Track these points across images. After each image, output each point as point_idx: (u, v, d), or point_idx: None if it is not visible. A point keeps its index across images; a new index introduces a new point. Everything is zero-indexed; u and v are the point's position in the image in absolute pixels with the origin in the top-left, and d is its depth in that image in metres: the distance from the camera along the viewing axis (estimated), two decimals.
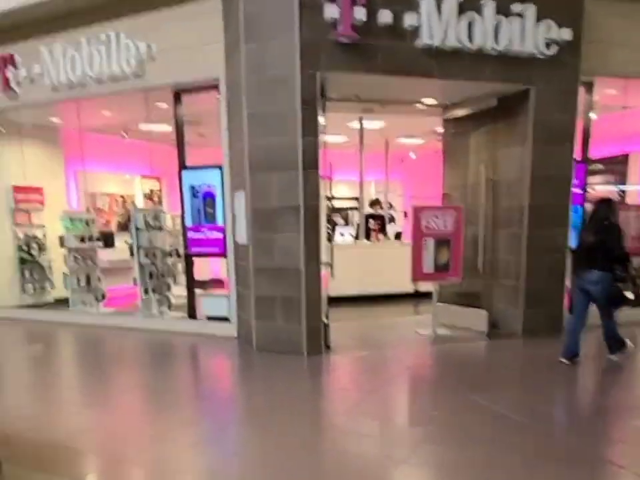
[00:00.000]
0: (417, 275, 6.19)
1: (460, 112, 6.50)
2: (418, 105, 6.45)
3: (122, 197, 10.17)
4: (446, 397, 4.26)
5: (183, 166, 6.60)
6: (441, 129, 7.23)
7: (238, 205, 5.89)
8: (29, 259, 8.44)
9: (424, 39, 5.11)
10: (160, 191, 10.64)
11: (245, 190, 5.52)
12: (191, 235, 6.65)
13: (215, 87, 5.97)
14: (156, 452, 3.39)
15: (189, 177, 6.55)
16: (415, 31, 5.09)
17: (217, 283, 7.99)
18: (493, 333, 6.20)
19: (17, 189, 8.18)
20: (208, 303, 6.92)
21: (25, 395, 4.72)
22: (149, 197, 10.54)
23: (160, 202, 10.49)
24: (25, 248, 8.43)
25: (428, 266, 6.16)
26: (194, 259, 6.85)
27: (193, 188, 6.55)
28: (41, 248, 8.53)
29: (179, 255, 7.70)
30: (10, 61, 6.82)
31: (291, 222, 5.28)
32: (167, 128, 7.68)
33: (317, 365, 5.35)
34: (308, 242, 5.29)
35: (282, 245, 5.37)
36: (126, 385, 5.03)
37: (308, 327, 5.42)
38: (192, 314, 6.93)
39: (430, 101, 6.43)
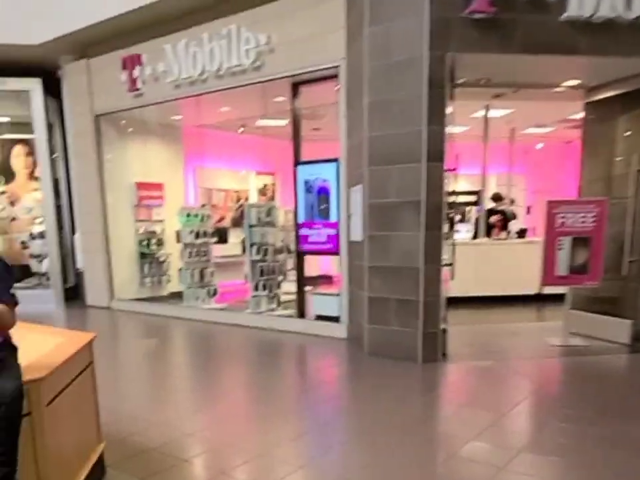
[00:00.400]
0: (548, 278, 5.51)
1: (607, 94, 5.71)
2: (557, 88, 5.77)
3: (237, 192, 10.33)
4: (591, 425, 3.58)
5: (297, 160, 6.45)
6: (578, 115, 6.46)
7: (354, 200, 5.60)
8: (148, 254, 8.77)
9: (571, 11, 4.49)
10: (274, 186, 10.70)
11: (362, 184, 5.22)
12: (303, 231, 6.48)
13: (334, 76, 5.75)
14: (260, 466, 3.14)
15: (304, 172, 6.38)
16: (561, 2, 4.50)
17: (326, 279, 7.80)
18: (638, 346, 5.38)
19: (140, 186, 8.54)
20: (318, 302, 6.71)
21: (137, 394, 4.71)
22: (262, 192, 10.64)
23: (273, 197, 10.54)
24: (144, 243, 8.79)
25: (562, 268, 5.45)
26: (305, 256, 6.69)
27: (307, 183, 6.37)
28: (159, 243, 8.84)
29: (289, 252, 7.58)
30: (138, 60, 7.10)
31: (410, 218, 4.89)
32: (282, 122, 7.63)
33: (432, 374, 4.91)
34: (428, 240, 4.86)
35: (400, 242, 4.99)
36: (234, 387, 4.94)
37: (424, 332, 4.98)
38: (301, 312, 6.76)
39: (572, 82, 5.72)
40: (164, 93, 7.06)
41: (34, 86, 8.34)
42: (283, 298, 7.54)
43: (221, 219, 9.89)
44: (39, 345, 2.46)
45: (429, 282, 4.92)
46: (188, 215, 7.92)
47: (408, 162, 4.81)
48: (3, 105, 8.78)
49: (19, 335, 2.23)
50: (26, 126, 8.66)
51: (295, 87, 6.26)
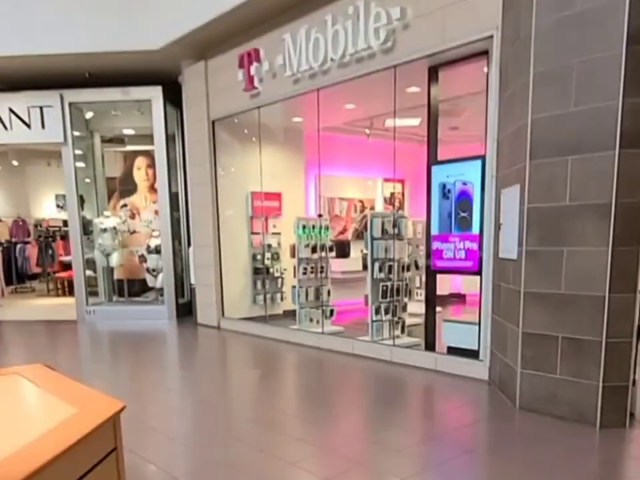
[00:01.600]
0: None
1: None
2: None
3: (361, 202, 9.44)
4: None
5: (433, 159, 5.38)
6: None
7: (506, 205, 4.39)
8: (262, 269, 8.15)
9: None
10: (402, 194, 9.66)
11: (519, 184, 4.01)
12: (436, 245, 5.36)
13: (483, 53, 4.64)
14: None
15: (440, 173, 5.29)
16: None
17: (458, 298, 6.58)
18: None
19: (256, 195, 7.97)
20: (451, 331, 5.52)
21: (241, 431, 3.99)
22: (389, 201, 9.65)
23: (401, 206, 9.51)
24: (259, 257, 8.18)
25: None
26: (437, 274, 5.57)
27: (444, 187, 5.27)
28: (275, 257, 8.18)
29: (417, 267, 6.48)
30: (255, 56, 6.52)
31: (592, 228, 3.59)
32: (414, 121, 6.63)
33: (619, 447, 3.54)
34: (618, 258, 3.53)
35: (574, 261, 3.70)
36: (346, 435, 3.95)
37: (606, 384, 3.63)
38: (430, 343, 5.62)
39: None
40: (282, 90, 6.39)
41: (155, 94, 8.18)
42: (409, 321, 6.48)
43: (343, 231, 9.05)
44: (39, 419, 1.70)
45: (616, 316, 3.58)
46: (304, 227, 7.14)
47: (592, 150, 3.54)
48: (127, 116, 8.80)
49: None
50: (149, 137, 8.56)
51: (433, 72, 5.22)
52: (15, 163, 15.13)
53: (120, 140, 9.34)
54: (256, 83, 6.61)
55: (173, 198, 8.72)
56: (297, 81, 6.15)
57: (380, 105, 6.69)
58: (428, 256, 5.56)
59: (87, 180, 9.39)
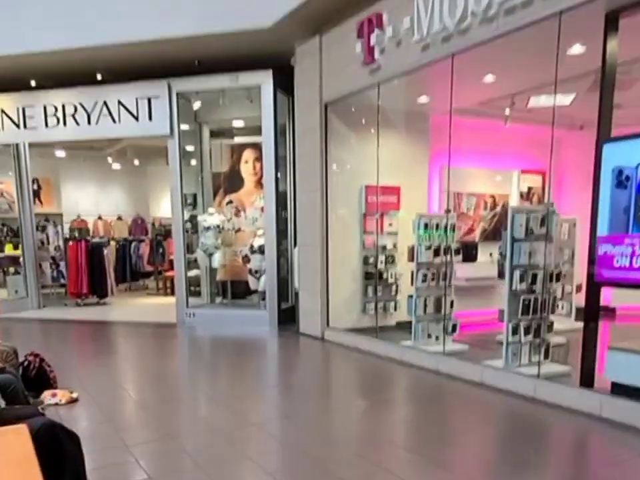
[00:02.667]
0: None
1: None
2: None
3: (492, 197, 8.11)
4: None
5: (605, 136, 4.07)
6: None
7: None
8: (375, 274, 7.16)
9: None
10: (542, 189, 8.17)
11: None
12: (605, 249, 4.04)
13: None
14: None
15: (616, 154, 3.98)
16: None
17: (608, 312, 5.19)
18: None
19: (370, 190, 7.01)
20: (617, 362, 4.18)
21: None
22: (525, 196, 8.21)
23: (540, 203, 8.03)
24: (371, 260, 7.20)
25: None
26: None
27: (619, 173, 3.95)
28: (390, 261, 7.16)
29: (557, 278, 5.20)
30: (377, 22, 5.57)
31: None
32: (566, 100, 5.33)
33: None
34: None
35: None
36: None
37: None
38: (586, 374, 4.28)
39: None
40: (407, 60, 5.38)
41: (264, 79, 7.54)
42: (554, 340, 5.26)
43: (470, 231, 7.81)
44: None
45: None
46: (426, 226, 6.05)
47: None
48: (235, 105, 8.29)
49: None
50: (258, 129, 7.95)
51: (612, 19, 3.94)
52: (136, 162, 15.62)
53: (228, 132, 8.87)
54: (376, 55, 5.66)
55: (281, 196, 8.04)
56: (426, 47, 5.11)
57: (528, 76, 5.46)
58: (592, 264, 4.24)
59: (194, 175, 9.08)
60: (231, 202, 8.56)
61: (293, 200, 7.99)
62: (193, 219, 10.66)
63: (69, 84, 8.18)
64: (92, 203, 16.05)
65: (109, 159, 15.18)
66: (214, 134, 8.93)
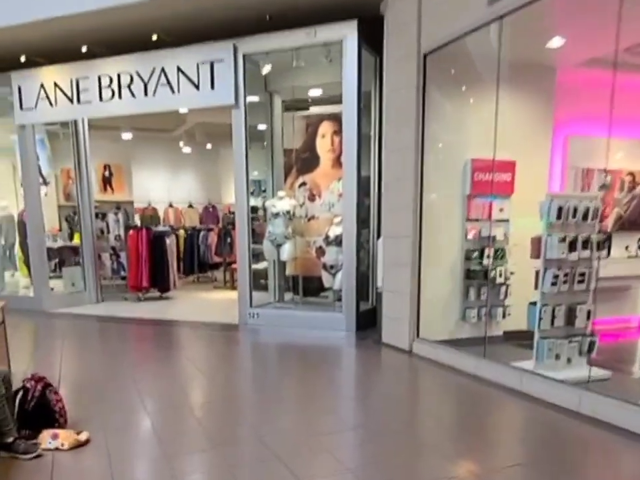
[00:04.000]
0: None
1: None
2: None
3: (631, 174, 6.29)
4: None
5: None
6: None
7: None
8: (480, 272, 5.68)
9: None
10: None
11: None
12: None
13: None
14: None
15: None
16: None
17: None
18: None
19: (478, 165, 5.53)
20: None
21: None
22: None
23: None
24: (475, 255, 5.73)
25: None
26: None
27: None
28: (500, 256, 5.64)
29: None
30: None
31: None
32: None
33: None
34: None
35: None
36: None
37: None
38: None
39: None
40: None
41: (348, 31, 6.19)
42: None
43: (602, 218, 6.10)
44: None
45: None
46: (559, 211, 4.49)
47: None
48: (312, 69, 7.01)
49: None
50: (338, 98, 6.64)
51: None
52: (208, 146, 14.83)
53: (302, 102, 7.62)
54: None
55: (363, 181, 6.71)
56: None
57: None
58: None
59: (263, 155, 7.95)
60: (304, 184, 7.31)
61: (377, 186, 6.65)
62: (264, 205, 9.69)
63: (124, 50, 7.26)
64: (163, 189, 15.48)
65: (180, 144, 14.49)
66: (286, 105, 7.71)
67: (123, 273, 9.52)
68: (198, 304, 9.16)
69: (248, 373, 5.46)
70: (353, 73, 6.30)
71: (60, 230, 10.92)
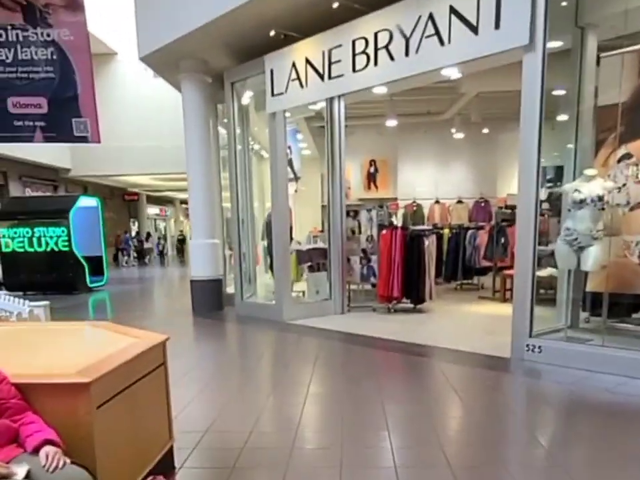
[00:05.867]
0: None
1: None
2: None
3: None
4: None
5: None
6: None
7: None
8: None
9: None
10: None
11: None
12: None
13: None
14: None
15: None
16: None
17: None
18: None
19: None
20: None
21: None
22: None
23: None
24: None
25: None
26: None
27: None
28: None
29: None
30: None
31: None
32: None
33: None
34: None
35: None
36: None
37: None
38: None
39: None
40: None
41: None
42: None
43: None
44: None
45: None
46: None
47: None
48: None
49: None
50: None
51: None
52: (485, 130, 12.80)
53: (631, 37, 5.00)
54: None
55: None
56: None
57: None
58: None
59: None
60: (628, 156, 4.75)
61: None
62: (550, 196, 7.38)
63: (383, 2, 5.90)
64: (429, 184, 14.03)
65: (452, 130, 12.77)
66: (603, 46, 5.23)
67: (373, 280, 8.15)
68: (457, 321, 7.24)
69: (522, 450, 3.38)
70: None
71: (322, 231, 10.37)
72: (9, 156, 14.93)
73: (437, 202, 13.89)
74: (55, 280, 11.26)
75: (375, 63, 6.18)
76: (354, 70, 6.40)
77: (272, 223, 7.68)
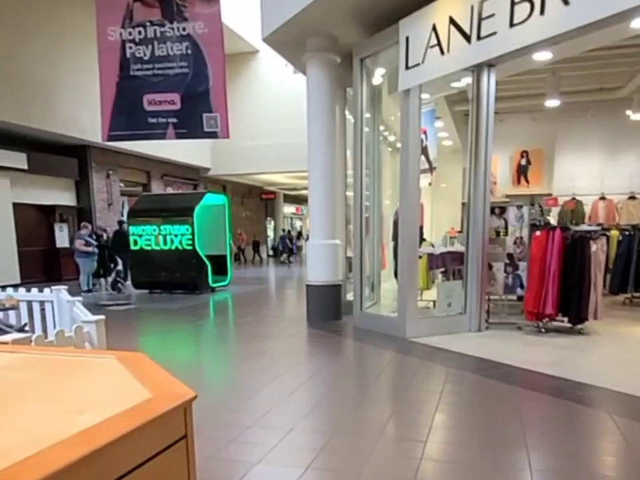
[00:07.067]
0: None
1: None
2: None
3: None
4: None
5: None
6: None
7: None
8: None
9: None
10: None
11: None
12: None
13: None
14: None
15: None
16: None
17: None
18: None
19: None
20: None
21: None
22: None
23: None
24: None
25: None
26: None
27: None
28: None
29: None
30: None
31: None
32: None
33: None
34: None
35: None
36: None
37: None
38: None
39: None
40: None
41: None
42: None
43: None
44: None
45: None
46: None
47: None
48: None
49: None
50: None
51: None
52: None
53: None
54: None
55: None
56: None
57: None
58: None
59: None
60: None
61: None
62: None
63: None
64: (593, 177, 11.89)
65: (627, 111, 10.57)
66: None
67: (519, 291, 6.53)
68: (630, 349, 5.52)
69: None
70: None
71: (460, 232, 8.92)
72: (153, 156, 15.57)
73: (602, 198, 11.78)
74: (178, 279, 11.20)
75: (542, 11, 4.76)
76: (511, 24, 5.03)
77: (399, 221, 6.54)
